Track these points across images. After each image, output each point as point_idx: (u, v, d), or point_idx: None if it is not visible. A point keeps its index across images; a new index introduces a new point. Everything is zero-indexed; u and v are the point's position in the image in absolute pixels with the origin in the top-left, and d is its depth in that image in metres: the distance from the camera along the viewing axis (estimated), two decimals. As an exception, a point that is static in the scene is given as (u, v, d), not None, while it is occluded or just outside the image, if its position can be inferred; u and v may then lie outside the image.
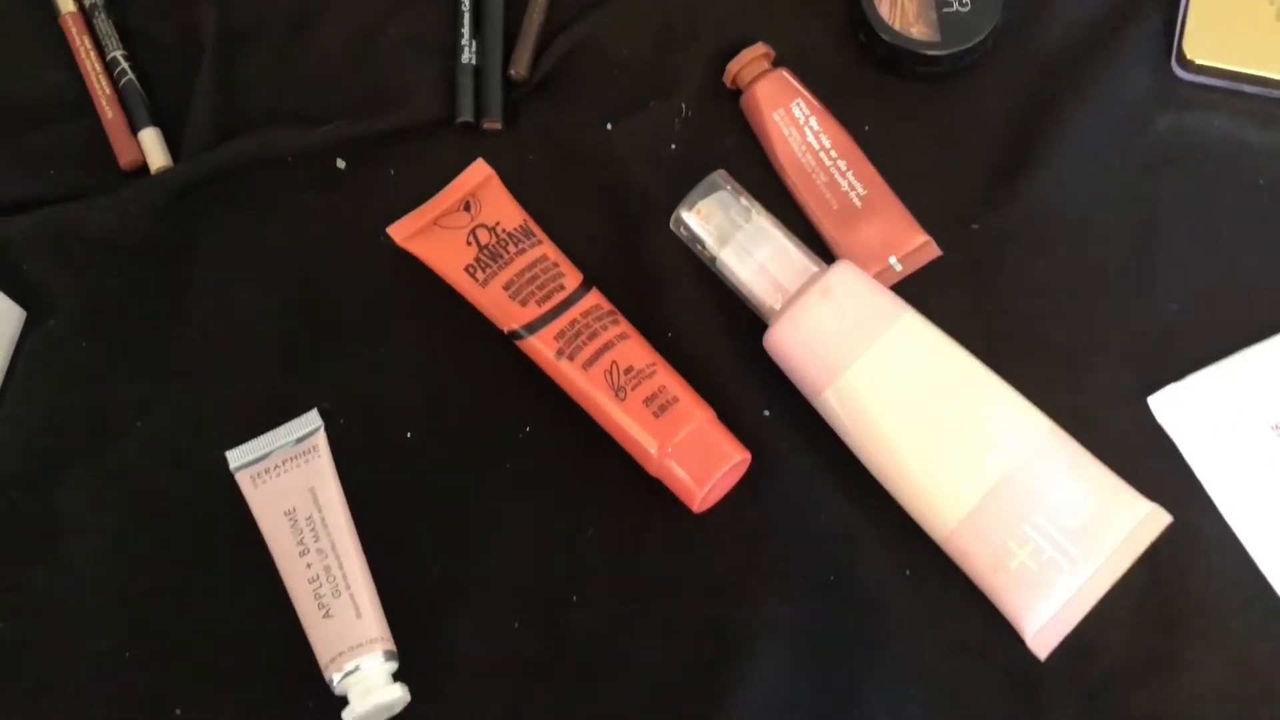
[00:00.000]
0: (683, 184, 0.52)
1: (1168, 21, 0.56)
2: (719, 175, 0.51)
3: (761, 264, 0.50)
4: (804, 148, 0.54)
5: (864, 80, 0.56)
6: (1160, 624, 0.48)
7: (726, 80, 0.55)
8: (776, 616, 0.49)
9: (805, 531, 0.50)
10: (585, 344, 0.49)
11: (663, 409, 0.48)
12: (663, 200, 0.52)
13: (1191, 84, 0.55)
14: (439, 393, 0.52)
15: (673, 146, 0.55)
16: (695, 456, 0.48)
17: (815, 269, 0.50)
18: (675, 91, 0.56)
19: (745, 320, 0.51)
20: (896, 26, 0.55)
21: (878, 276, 0.52)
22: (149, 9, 0.60)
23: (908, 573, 0.49)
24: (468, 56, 0.56)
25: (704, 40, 0.56)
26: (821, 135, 0.54)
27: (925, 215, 0.54)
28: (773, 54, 0.55)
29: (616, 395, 0.49)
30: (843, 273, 0.49)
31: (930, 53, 0.54)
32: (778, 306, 0.50)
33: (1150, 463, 0.50)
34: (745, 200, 0.51)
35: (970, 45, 0.54)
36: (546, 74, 0.56)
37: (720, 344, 0.52)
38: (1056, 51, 0.56)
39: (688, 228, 0.51)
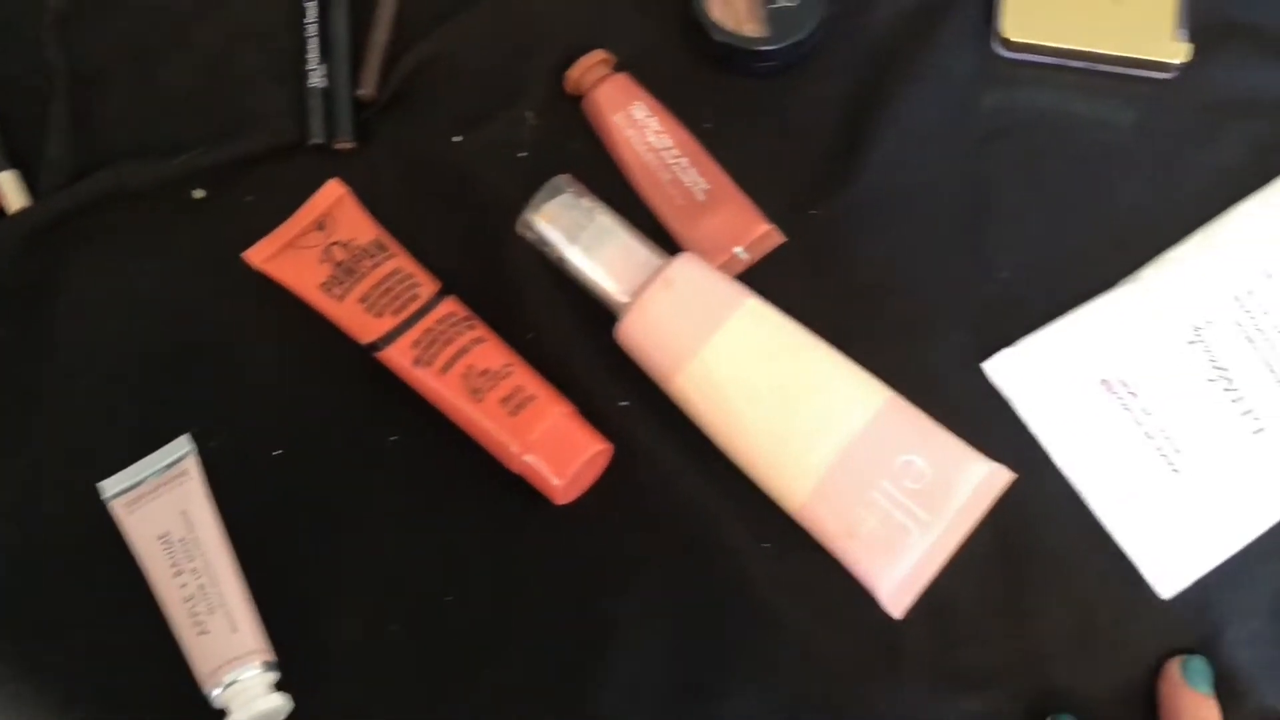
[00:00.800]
0: (534, 189, 0.54)
1: (991, 2, 0.59)
2: (562, 179, 0.53)
3: (607, 261, 0.52)
4: (646, 148, 0.56)
5: (703, 79, 0.58)
6: (1008, 578, 0.51)
7: (567, 87, 0.57)
8: (645, 599, 0.51)
9: (668, 514, 0.51)
10: (441, 350, 0.51)
11: (519, 407, 0.50)
12: (515, 206, 0.54)
13: (1014, 61, 0.58)
14: (305, 409, 0.54)
15: (522, 154, 0.57)
16: (553, 450, 0.50)
17: (659, 262, 0.52)
18: (521, 100, 0.58)
19: (600, 317, 0.52)
20: (729, 26, 0.57)
21: (725, 266, 0.55)
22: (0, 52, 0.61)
23: (767, 546, 0.51)
24: (317, 79, 0.58)
25: (547, 49, 0.58)
26: (662, 135, 0.56)
27: (768, 205, 0.56)
28: (613, 59, 0.57)
29: (474, 397, 0.50)
30: (684, 264, 0.51)
31: (761, 48, 0.57)
32: (625, 300, 0.51)
33: (991, 425, 0.52)
34: (588, 201, 0.53)
35: (799, 39, 0.56)
36: (395, 91, 0.58)
37: (577, 341, 0.53)
38: (886, 38, 0.59)
39: (534, 231, 0.53)
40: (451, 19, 0.59)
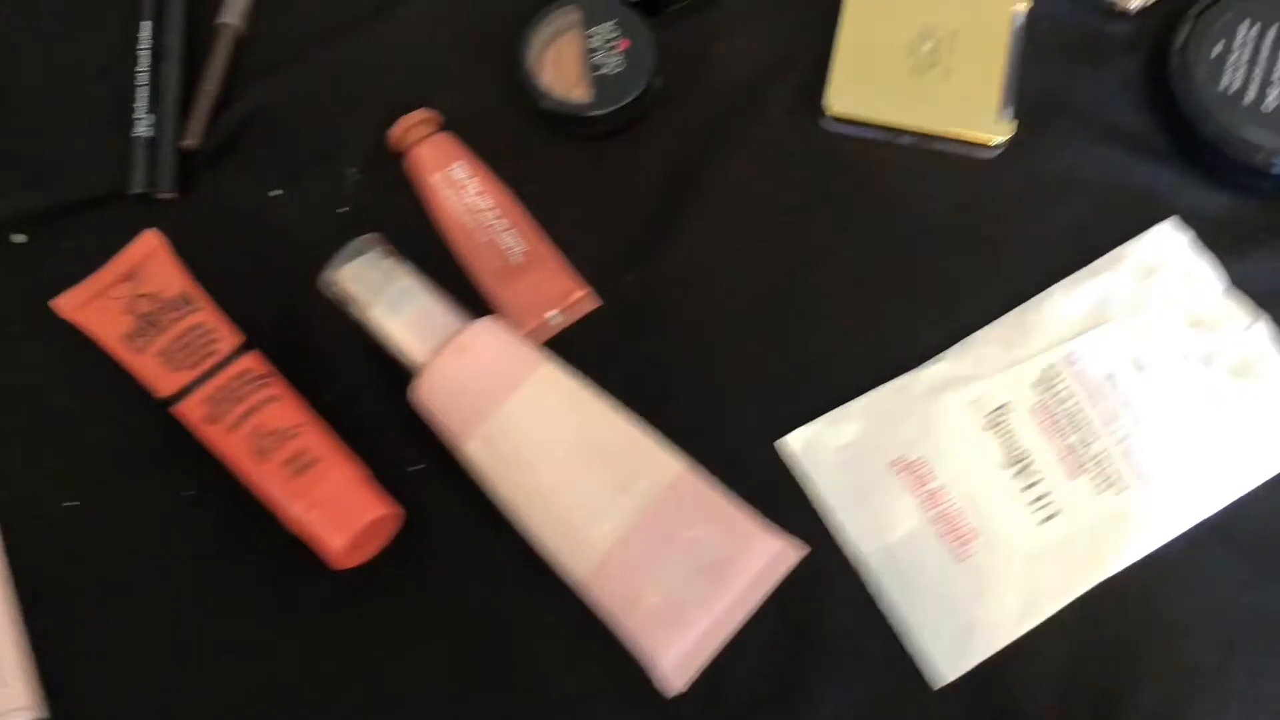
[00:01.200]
0: (351, 246, 0.54)
1: (822, 74, 0.59)
2: (366, 239, 0.53)
3: (405, 323, 0.52)
4: (464, 208, 0.56)
5: (531, 141, 0.58)
6: (789, 658, 0.50)
7: (391, 144, 0.57)
8: (427, 666, 0.50)
9: (455, 584, 0.51)
10: (231, 408, 0.51)
11: (304, 468, 0.50)
12: (328, 262, 0.54)
13: (840, 134, 0.58)
14: (102, 461, 0.53)
15: (342, 210, 0.57)
16: (333, 514, 0.49)
17: (457, 326, 0.52)
18: (345, 156, 0.58)
19: (402, 378, 0.52)
20: (558, 89, 0.57)
21: (537, 330, 0.55)
22: None
23: (552, 619, 0.51)
24: (143, 129, 0.58)
25: (376, 105, 0.58)
26: (482, 196, 0.56)
27: (587, 269, 0.56)
28: (438, 118, 0.57)
29: (259, 457, 0.50)
30: (479, 329, 0.51)
31: (587, 114, 0.57)
32: (422, 363, 0.51)
33: (786, 500, 0.52)
34: (391, 262, 0.53)
35: (623, 105, 0.57)
36: (220, 142, 0.58)
37: (377, 402, 0.53)
38: (715, 107, 0.59)
39: (338, 289, 0.52)
40: (282, 71, 0.59)
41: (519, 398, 0.50)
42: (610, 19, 0.58)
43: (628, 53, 0.57)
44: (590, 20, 0.58)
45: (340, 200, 0.57)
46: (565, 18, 0.58)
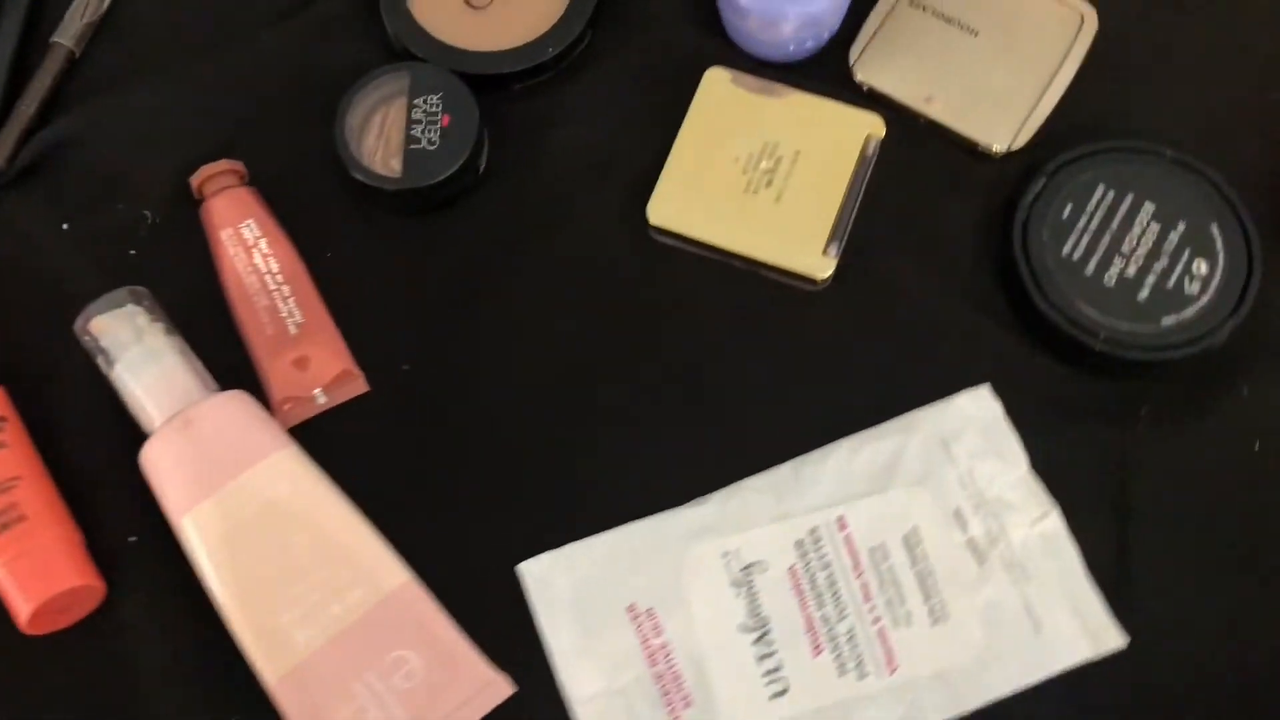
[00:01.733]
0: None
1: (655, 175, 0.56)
2: (129, 290, 0.51)
3: (147, 384, 0.49)
4: (250, 269, 0.53)
5: (342, 207, 0.56)
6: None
7: (193, 191, 0.55)
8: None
9: (147, 665, 0.48)
10: (-50, 450, 0.49)
11: (8, 524, 0.47)
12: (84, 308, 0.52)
13: (664, 243, 0.55)
14: None
15: (132, 252, 0.55)
16: (28, 577, 0.47)
17: (196, 397, 0.49)
18: (147, 197, 0.55)
19: (141, 440, 0.50)
20: (377, 157, 0.55)
21: (298, 407, 0.52)
22: None
23: (236, 718, 0.48)
24: (-52, 142, 0.56)
25: (188, 149, 0.56)
26: (270, 259, 0.54)
27: (366, 350, 0.53)
28: (242, 171, 0.55)
29: (-36, 506, 0.48)
30: (213, 404, 0.49)
31: (391, 188, 0.54)
32: (154, 429, 0.49)
33: (514, 630, 0.49)
34: (148, 319, 0.50)
35: (429, 184, 0.54)
36: (24, 168, 0.56)
37: (112, 462, 0.51)
38: (541, 196, 0.56)
39: (90, 338, 0.50)
40: (100, 100, 0.57)
41: (244, 481, 0.48)
42: (437, 91, 0.55)
43: (446, 130, 0.54)
44: (416, 89, 0.55)
45: (132, 242, 0.55)
46: (395, 83, 0.56)
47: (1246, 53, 0.58)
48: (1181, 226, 0.52)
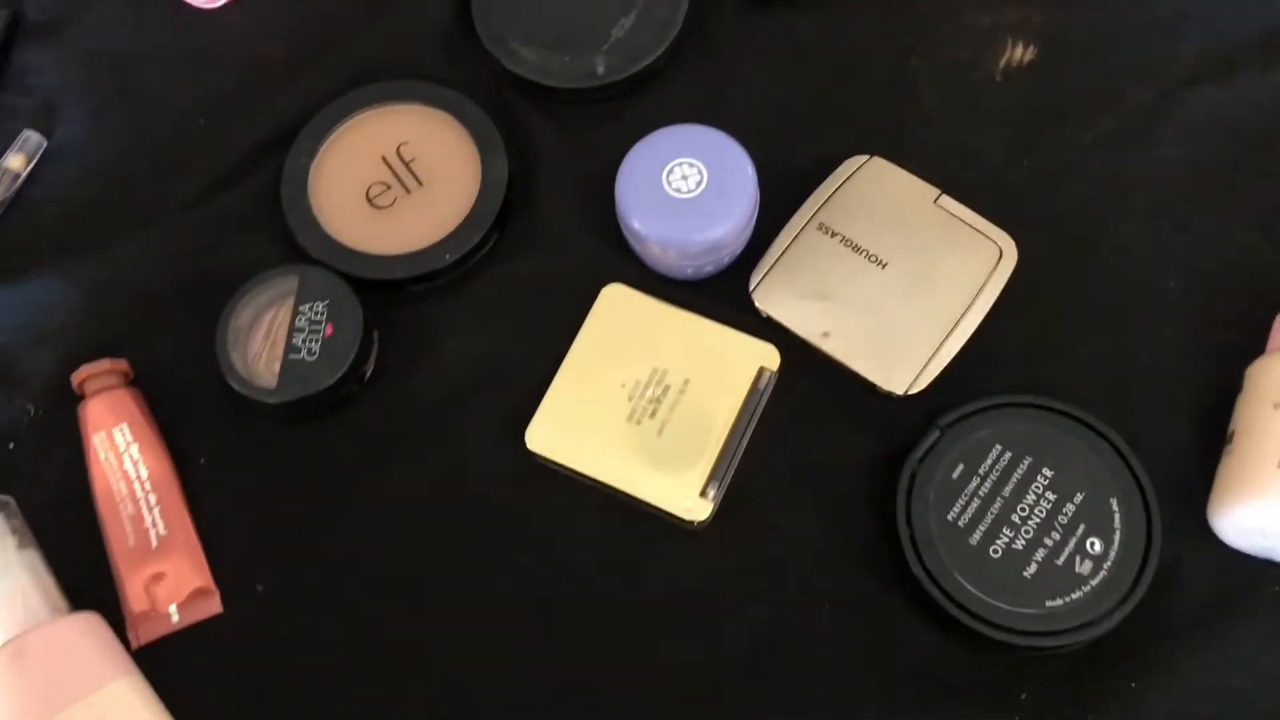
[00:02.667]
0: (7, 487, 0.52)
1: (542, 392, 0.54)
2: (-9, 499, 0.50)
3: (-4, 601, 0.49)
4: (119, 475, 0.53)
5: (221, 411, 0.55)
6: None
7: (74, 388, 0.54)
8: None
9: None
10: None
11: None
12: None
13: (545, 466, 0.53)
14: None
15: (11, 445, 0.54)
16: None
17: (44, 618, 0.48)
18: (31, 389, 0.55)
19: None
20: (260, 361, 0.54)
21: (152, 623, 0.51)
22: None
23: None
24: None
25: (75, 343, 0.55)
26: (140, 465, 0.53)
27: (225, 565, 0.52)
28: (127, 370, 0.54)
29: None
30: (57, 629, 0.48)
31: (266, 400, 0.53)
32: (-4, 650, 0.48)
33: None
34: (6, 530, 0.50)
35: (300, 398, 0.52)
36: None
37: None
38: (422, 408, 0.54)
39: (-56, 548, 0.50)
40: (-4, 281, 0.57)
41: (72, 714, 0.47)
42: (324, 299, 0.54)
43: (329, 340, 0.53)
44: (303, 295, 0.54)
45: (12, 435, 0.55)
46: (286, 284, 0.55)
47: (1166, 303, 0.55)
48: (1079, 498, 0.49)
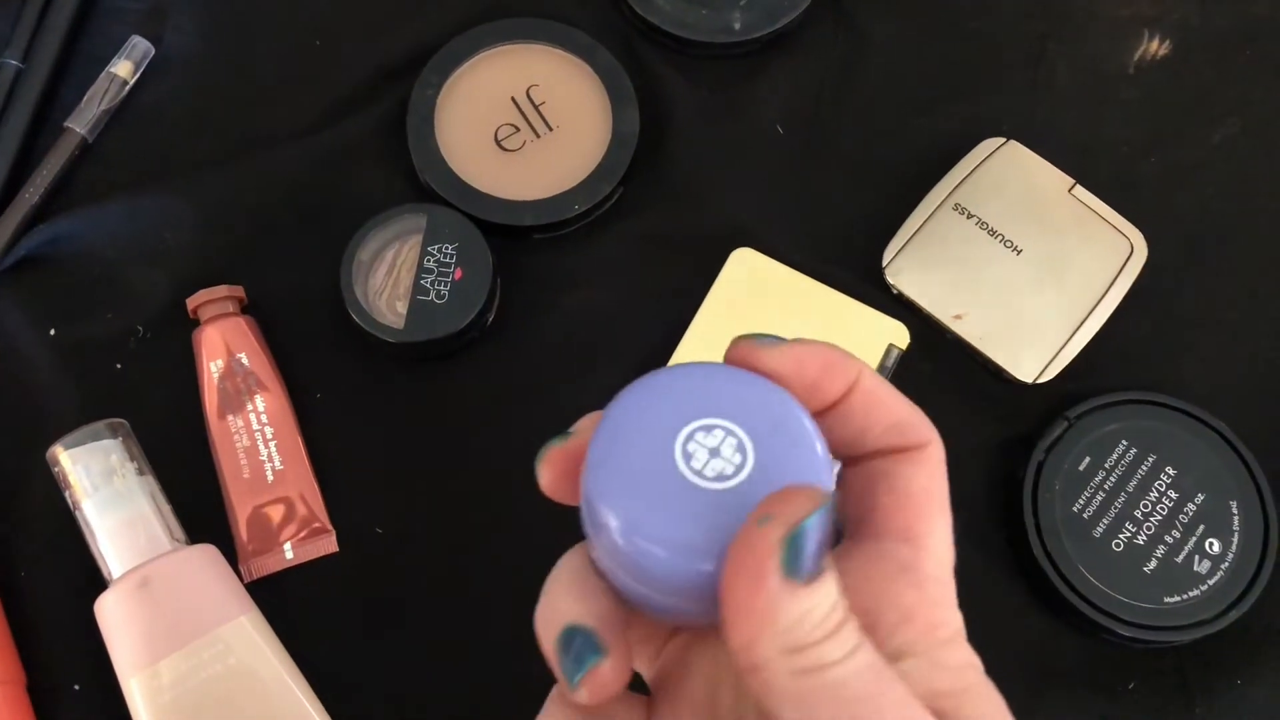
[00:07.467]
0: (115, 408, 0.50)
1: (671, 346, 0.54)
2: (108, 424, 0.49)
3: (113, 528, 0.47)
4: (236, 404, 0.52)
5: (340, 344, 0.53)
6: None
7: (189, 312, 0.53)
8: None
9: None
10: (-98, 571, 0.47)
11: (-50, 660, 0.46)
12: (76, 424, 0.50)
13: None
14: None
15: (118, 366, 0.53)
16: (-38, 719, 0.46)
17: (168, 548, 0.47)
18: (141, 311, 0.53)
19: (99, 584, 0.48)
20: (382, 298, 0.53)
21: (266, 558, 0.50)
22: None
23: None
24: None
25: (189, 264, 0.54)
26: (258, 397, 0.52)
27: (341, 506, 0.51)
28: (243, 297, 0.53)
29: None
30: (177, 561, 0.47)
31: (391, 339, 0.52)
32: (114, 578, 0.47)
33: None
34: (124, 456, 0.49)
35: (428, 340, 0.52)
36: (17, 262, 0.54)
37: (65, 599, 0.49)
38: (543, 358, 0.54)
39: (60, 469, 0.49)
40: (102, 205, 0.55)
41: (195, 648, 0.46)
42: (453, 241, 0.53)
43: (458, 284, 0.52)
44: (432, 235, 0.53)
45: (120, 355, 0.53)
46: (412, 221, 0.54)
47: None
48: (1200, 499, 0.50)
